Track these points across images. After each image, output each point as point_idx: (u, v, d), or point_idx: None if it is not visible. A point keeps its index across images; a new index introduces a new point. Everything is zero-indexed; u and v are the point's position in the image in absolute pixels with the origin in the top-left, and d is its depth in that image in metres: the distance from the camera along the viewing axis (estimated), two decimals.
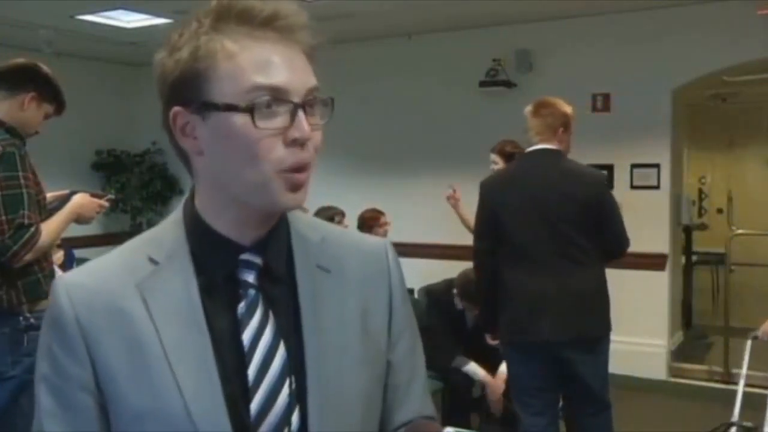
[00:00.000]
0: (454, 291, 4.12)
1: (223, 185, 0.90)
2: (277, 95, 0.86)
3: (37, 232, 2.49)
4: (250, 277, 0.92)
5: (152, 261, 0.91)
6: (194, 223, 0.94)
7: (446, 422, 4.02)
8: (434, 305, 4.21)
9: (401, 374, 1.03)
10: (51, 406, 0.89)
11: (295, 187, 0.88)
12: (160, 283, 0.90)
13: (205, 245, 0.93)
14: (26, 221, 2.45)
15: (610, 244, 3.13)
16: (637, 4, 5.36)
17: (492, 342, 3.46)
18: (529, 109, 3.18)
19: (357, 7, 5.30)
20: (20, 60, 2.69)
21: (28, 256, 2.48)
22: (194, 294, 0.90)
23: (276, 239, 0.95)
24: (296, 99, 0.86)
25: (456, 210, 4.86)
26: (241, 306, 0.91)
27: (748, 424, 3.35)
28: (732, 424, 3.34)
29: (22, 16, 5.56)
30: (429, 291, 4.41)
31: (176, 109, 0.89)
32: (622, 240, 3.16)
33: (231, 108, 0.85)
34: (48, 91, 2.68)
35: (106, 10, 5.55)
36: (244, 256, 0.92)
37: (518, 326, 3.08)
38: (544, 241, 3.03)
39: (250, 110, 0.84)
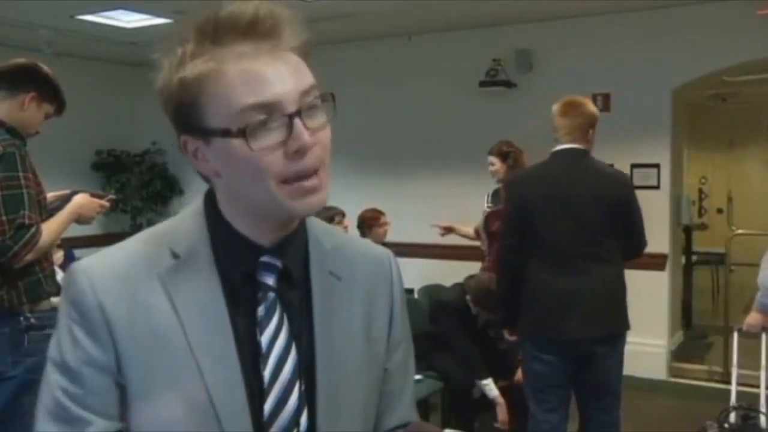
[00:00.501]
0: (468, 297, 4.09)
1: (240, 201, 0.91)
2: (270, 110, 0.85)
3: (38, 233, 2.48)
4: (270, 280, 0.93)
5: (174, 254, 0.92)
6: (216, 219, 0.94)
7: (446, 422, 4.03)
8: (449, 315, 4.13)
9: (395, 382, 1.05)
10: (70, 388, 0.88)
11: (304, 194, 0.88)
12: (184, 277, 0.90)
13: (225, 243, 0.93)
14: (26, 221, 2.45)
15: (631, 245, 3.19)
16: (637, 4, 5.36)
17: (510, 338, 3.43)
18: (557, 108, 3.17)
19: (357, 7, 5.30)
20: (20, 60, 2.69)
21: (29, 257, 2.48)
22: (218, 291, 0.91)
23: (295, 243, 0.96)
24: (291, 108, 0.85)
25: (457, 233, 5.04)
26: (261, 309, 0.92)
27: (745, 406, 3.55)
28: (734, 408, 3.54)
29: (22, 16, 5.56)
30: (442, 302, 4.30)
31: (184, 137, 0.90)
32: (642, 241, 3.24)
33: (226, 133, 0.85)
34: (48, 91, 2.67)
35: (106, 10, 5.55)
36: (265, 258, 0.93)
37: (545, 324, 3.07)
38: (573, 240, 3.05)
39: (243, 133, 0.84)
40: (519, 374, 3.96)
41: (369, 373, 1.00)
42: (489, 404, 4.05)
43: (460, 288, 4.23)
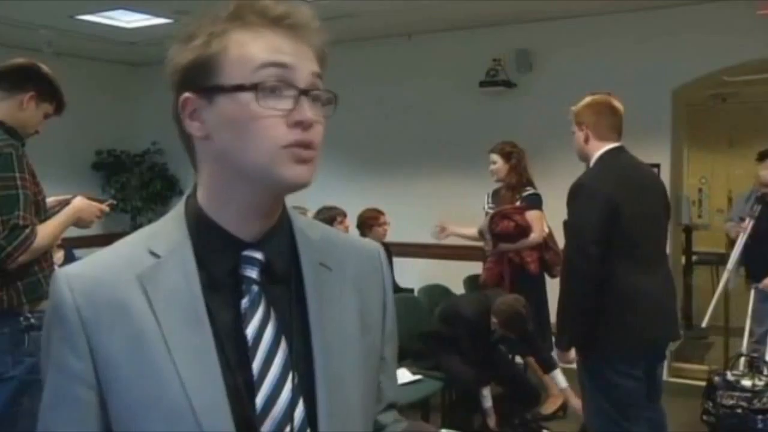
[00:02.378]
0: (494, 320, 4.00)
1: (229, 168, 0.91)
2: (283, 75, 0.89)
3: (32, 234, 2.47)
4: (253, 273, 0.93)
5: (153, 254, 0.92)
6: (196, 217, 0.95)
7: (446, 422, 4.03)
8: (465, 329, 4.09)
9: (389, 370, 1.08)
10: (51, 400, 0.90)
11: (300, 160, 0.89)
12: (162, 276, 0.90)
13: (207, 240, 0.93)
14: (21, 222, 2.44)
15: None
16: (637, 4, 5.36)
17: (571, 358, 3.08)
18: (599, 104, 3.13)
19: (357, 7, 5.30)
20: (19, 59, 2.69)
21: (23, 258, 2.46)
22: (196, 288, 0.91)
23: (277, 236, 0.97)
24: (301, 84, 0.89)
25: (453, 233, 4.89)
26: (245, 301, 0.92)
27: (755, 354, 4.35)
28: (742, 355, 4.35)
29: (22, 16, 5.56)
30: (461, 315, 4.16)
31: (186, 95, 0.92)
32: None
33: (238, 88, 0.88)
34: (47, 90, 2.67)
35: (106, 10, 5.56)
36: (247, 252, 0.93)
37: (639, 331, 2.90)
38: (651, 240, 3.04)
39: (255, 88, 0.87)
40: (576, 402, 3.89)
41: (366, 362, 1.00)
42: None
43: (481, 304, 4.12)
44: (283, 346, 0.92)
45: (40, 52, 5.28)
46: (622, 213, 2.85)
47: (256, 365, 0.90)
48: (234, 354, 0.90)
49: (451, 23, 6.00)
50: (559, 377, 4.21)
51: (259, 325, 0.92)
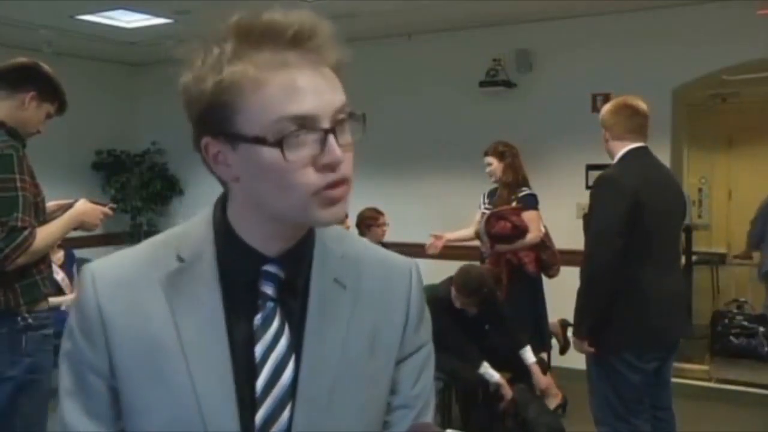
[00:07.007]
0: (453, 293, 4.08)
1: (260, 207, 0.90)
2: (306, 123, 0.84)
3: (31, 236, 2.45)
4: (270, 290, 0.92)
5: (179, 258, 0.92)
6: (222, 228, 0.94)
7: (446, 422, 4.03)
8: (439, 310, 4.12)
9: (408, 397, 1.01)
10: (69, 384, 0.92)
11: (331, 203, 0.87)
12: (185, 282, 0.91)
13: (229, 251, 0.93)
14: (19, 224, 2.42)
15: None
16: (637, 4, 5.36)
17: (588, 350, 3.06)
18: (620, 107, 3.15)
19: (357, 7, 5.30)
20: (21, 59, 2.68)
21: (21, 260, 2.45)
22: (217, 298, 0.91)
23: (301, 252, 0.95)
24: (326, 123, 0.85)
25: (452, 242, 4.93)
26: (258, 318, 0.91)
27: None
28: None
29: (22, 16, 5.56)
30: (433, 298, 4.31)
31: (206, 139, 0.88)
32: None
33: (259, 141, 0.84)
34: (48, 90, 2.66)
35: (106, 10, 5.55)
36: (267, 268, 0.92)
37: (655, 328, 2.98)
38: (671, 241, 3.12)
39: (279, 143, 0.83)
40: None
41: (370, 386, 0.96)
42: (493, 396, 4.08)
43: (449, 282, 4.25)
44: (291, 365, 0.91)
45: (40, 52, 5.28)
46: (644, 208, 2.91)
47: (259, 383, 0.90)
48: (243, 369, 0.90)
49: (451, 23, 6.00)
50: (527, 354, 4.24)
51: (269, 344, 0.91)
